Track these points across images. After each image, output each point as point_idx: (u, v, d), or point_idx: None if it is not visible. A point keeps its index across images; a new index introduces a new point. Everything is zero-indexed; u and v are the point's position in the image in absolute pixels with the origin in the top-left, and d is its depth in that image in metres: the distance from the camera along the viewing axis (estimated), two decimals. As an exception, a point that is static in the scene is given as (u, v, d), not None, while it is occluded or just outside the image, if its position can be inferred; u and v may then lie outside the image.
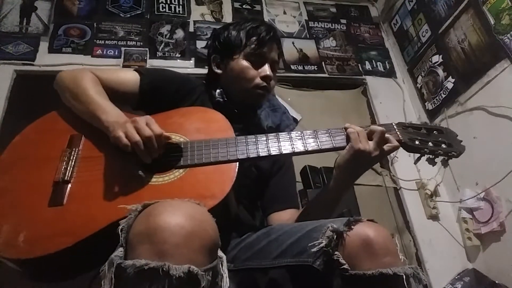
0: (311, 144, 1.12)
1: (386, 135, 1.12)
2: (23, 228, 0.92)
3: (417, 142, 1.17)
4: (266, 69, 1.30)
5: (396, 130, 1.18)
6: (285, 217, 1.30)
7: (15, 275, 0.94)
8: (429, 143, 1.17)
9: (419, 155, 1.19)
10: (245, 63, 1.30)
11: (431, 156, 1.18)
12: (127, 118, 1.04)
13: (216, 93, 1.32)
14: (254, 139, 1.10)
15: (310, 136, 1.14)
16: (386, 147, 1.11)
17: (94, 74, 1.21)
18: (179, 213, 0.76)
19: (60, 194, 0.98)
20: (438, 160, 1.19)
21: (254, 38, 1.32)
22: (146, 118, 1.02)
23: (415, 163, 1.22)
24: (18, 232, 0.91)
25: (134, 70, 1.31)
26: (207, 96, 1.33)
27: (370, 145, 1.09)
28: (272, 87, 1.35)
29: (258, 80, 1.29)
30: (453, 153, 1.17)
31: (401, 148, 2.51)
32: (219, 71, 1.37)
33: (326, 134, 1.14)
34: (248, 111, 1.36)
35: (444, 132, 1.22)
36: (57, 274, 0.97)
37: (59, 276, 0.99)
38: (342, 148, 1.13)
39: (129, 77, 1.27)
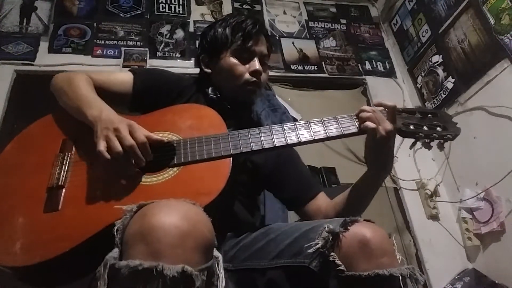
0: (305, 135, 1.10)
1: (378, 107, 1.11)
2: (19, 235, 0.91)
3: (411, 127, 1.14)
4: (255, 64, 1.27)
5: None
6: (321, 203, 1.28)
7: (14, 281, 0.93)
8: (424, 127, 1.15)
9: (414, 139, 1.17)
10: (232, 60, 1.29)
11: (426, 140, 1.15)
12: (110, 113, 1.02)
13: (209, 90, 1.32)
14: (247, 133, 1.09)
15: (303, 127, 1.12)
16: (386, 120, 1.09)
17: (88, 76, 1.21)
18: (174, 213, 0.76)
19: (55, 200, 0.97)
20: (434, 144, 1.17)
21: (240, 33, 1.29)
22: (129, 125, 0.99)
23: (411, 147, 1.20)
24: (15, 239, 0.90)
25: (128, 70, 1.30)
26: (200, 94, 1.33)
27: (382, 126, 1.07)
28: (263, 81, 1.33)
29: (247, 76, 1.27)
30: (448, 135, 1.15)
31: (401, 148, 2.53)
32: (208, 70, 1.36)
33: (319, 124, 1.12)
34: (242, 107, 1.35)
35: (438, 115, 1.20)
36: (55, 279, 0.97)
37: (58, 281, 0.98)
38: (337, 137, 1.11)
39: (122, 78, 1.27)
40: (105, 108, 1.06)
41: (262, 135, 1.09)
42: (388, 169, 1.18)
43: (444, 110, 1.23)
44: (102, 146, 0.95)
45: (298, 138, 1.09)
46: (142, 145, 0.97)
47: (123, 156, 0.95)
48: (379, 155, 1.13)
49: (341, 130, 1.11)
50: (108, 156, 0.95)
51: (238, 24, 1.31)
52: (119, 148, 0.95)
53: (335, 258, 0.87)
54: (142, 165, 0.98)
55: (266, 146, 1.08)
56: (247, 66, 1.28)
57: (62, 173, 1.02)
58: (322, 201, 1.29)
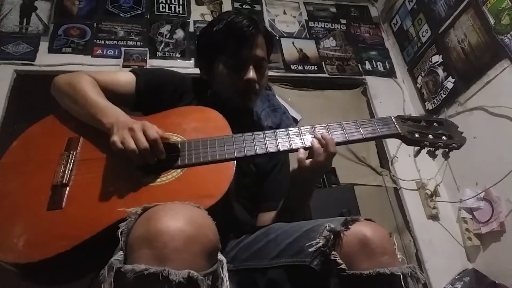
0: (309, 140, 1.09)
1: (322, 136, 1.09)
2: (23, 232, 0.92)
3: (416, 135, 1.14)
4: (249, 73, 1.21)
5: (395, 123, 1.15)
6: (267, 218, 1.27)
7: (15, 277, 0.93)
8: (429, 135, 1.15)
9: (419, 148, 1.17)
10: (225, 69, 1.23)
11: (431, 149, 1.15)
12: (127, 119, 1.03)
13: (208, 93, 1.31)
14: (252, 137, 1.09)
15: (307, 132, 1.11)
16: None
17: (91, 77, 1.20)
18: (179, 217, 0.76)
19: (58, 198, 0.98)
20: (439, 152, 1.16)
21: (233, 39, 1.21)
22: (143, 125, 1.01)
23: (415, 156, 1.20)
24: (18, 236, 0.91)
25: (130, 71, 1.29)
26: (204, 95, 1.32)
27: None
28: (261, 86, 1.28)
29: (240, 86, 1.22)
30: (453, 145, 1.14)
31: (401, 149, 2.53)
32: (204, 76, 1.33)
33: (324, 130, 1.12)
34: (242, 112, 1.34)
35: (444, 124, 1.19)
36: (57, 277, 0.97)
37: (59, 279, 0.99)
38: (342, 143, 1.10)
39: (126, 78, 1.26)
40: (120, 114, 1.06)
41: (267, 139, 1.09)
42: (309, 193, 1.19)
43: (450, 120, 1.23)
44: (116, 138, 0.97)
45: (302, 143, 1.09)
46: (154, 143, 0.99)
47: (135, 153, 0.97)
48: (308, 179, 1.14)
49: (345, 136, 1.11)
50: (120, 145, 0.96)
51: (231, 27, 1.23)
52: (133, 146, 0.96)
53: (336, 257, 0.87)
54: (153, 163, 1.00)
55: (270, 150, 1.07)
56: (241, 74, 1.22)
57: (66, 172, 1.03)
58: (268, 217, 1.28)
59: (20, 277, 0.94)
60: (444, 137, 1.15)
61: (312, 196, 1.21)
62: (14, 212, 0.97)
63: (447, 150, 1.15)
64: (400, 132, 1.13)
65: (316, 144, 1.07)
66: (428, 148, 1.15)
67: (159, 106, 1.20)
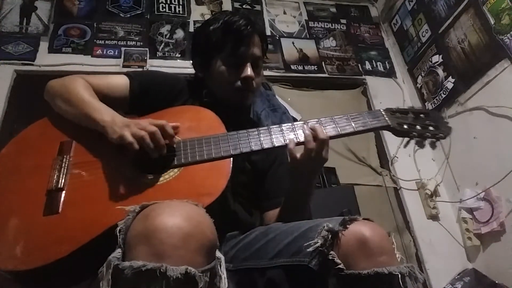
0: (303, 135, 1.10)
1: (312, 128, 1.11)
2: (20, 239, 0.91)
3: (405, 126, 1.17)
4: (246, 70, 1.23)
5: (385, 115, 1.18)
6: (273, 215, 1.28)
7: (14, 284, 0.93)
8: (417, 126, 1.18)
9: (408, 139, 1.20)
10: (223, 67, 1.25)
11: (419, 139, 1.19)
12: (123, 118, 1.04)
13: (204, 93, 1.31)
14: (246, 134, 1.09)
15: (301, 128, 1.12)
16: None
17: (85, 80, 1.20)
18: (177, 214, 0.76)
19: (55, 202, 0.97)
20: (427, 142, 1.20)
21: (231, 37, 1.24)
22: (148, 119, 1.04)
23: (405, 146, 1.24)
24: (15, 243, 0.90)
25: (124, 74, 1.29)
26: (196, 96, 1.32)
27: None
28: (257, 85, 1.30)
29: (238, 84, 1.24)
30: (440, 135, 1.19)
31: (401, 149, 2.53)
32: (200, 74, 1.34)
33: (317, 124, 1.12)
34: (238, 110, 1.34)
35: (430, 114, 1.23)
36: (57, 281, 0.97)
37: (59, 283, 0.98)
38: (334, 137, 1.12)
39: (119, 82, 1.26)
40: (116, 114, 1.07)
41: (261, 135, 1.10)
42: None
43: (434, 110, 1.27)
44: (125, 131, 0.99)
45: (296, 138, 1.10)
46: (163, 128, 1.01)
47: (147, 139, 0.99)
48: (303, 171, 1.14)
49: (338, 130, 1.13)
50: (131, 139, 0.98)
51: (229, 26, 1.25)
52: (143, 132, 0.98)
53: (334, 257, 0.88)
54: (163, 152, 1.01)
55: (265, 146, 1.08)
56: (238, 72, 1.24)
57: (61, 176, 1.02)
58: (274, 215, 1.28)
59: (19, 283, 0.93)
60: (431, 128, 1.19)
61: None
62: (10, 219, 0.95)
63: (434, 140, 1.19)
64: (389, 124, 1.16)
65: (307, 132, 1.09)
66: (417, 139, 1.19)
67: (154, 107, 1.21)
